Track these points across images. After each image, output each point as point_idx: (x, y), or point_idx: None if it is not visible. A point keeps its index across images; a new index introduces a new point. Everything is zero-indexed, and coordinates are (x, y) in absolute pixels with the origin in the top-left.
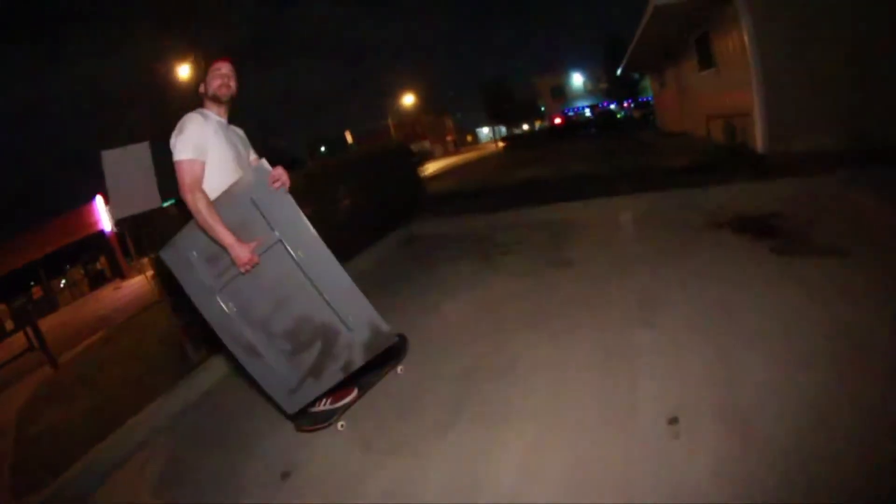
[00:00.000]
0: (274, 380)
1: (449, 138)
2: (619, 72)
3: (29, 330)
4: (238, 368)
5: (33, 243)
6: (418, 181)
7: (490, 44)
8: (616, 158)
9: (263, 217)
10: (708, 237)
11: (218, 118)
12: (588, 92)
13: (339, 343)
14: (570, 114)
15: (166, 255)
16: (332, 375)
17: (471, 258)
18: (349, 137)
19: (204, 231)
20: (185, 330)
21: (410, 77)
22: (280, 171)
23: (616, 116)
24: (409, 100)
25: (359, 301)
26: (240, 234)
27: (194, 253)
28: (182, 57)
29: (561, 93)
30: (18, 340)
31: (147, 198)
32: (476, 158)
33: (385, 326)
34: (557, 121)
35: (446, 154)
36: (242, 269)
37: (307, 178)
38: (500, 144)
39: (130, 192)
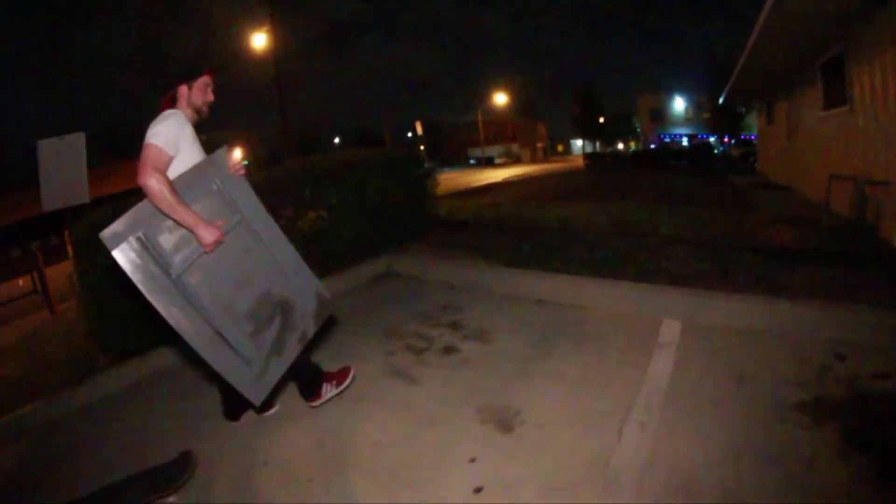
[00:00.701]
0: (240, 368)
1: (539, 145)
2: (721, 100)
3: (35, 273)
4: None
5: (105, 180)
6: (423, 199)
7: (594, 53)
8: (697, 207)
9: (227, 198)
10: (795, 453)
11: (192, 127)
12: (687, 119)
13: (295, 314)
14: (667, 140)
15: (111, 238)
16: (292, 349)
17: (409, 338)
18: (419, 128)
19: (161, 214)
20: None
21: (507, 76)
22: (238, 158)
23: (713, 151)
24: (501, 98)
25: (306, 271)
26: (201, 215)
27: (146, 236)
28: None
29: (660, 116)
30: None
31: (75, 193)
32: (553, 172)
33: (327, 294)
34: (652, 146)
35: (533, 160)
36: (207, 249)
37: (268, 180)
38: (584, 161)
39: (61, 184)
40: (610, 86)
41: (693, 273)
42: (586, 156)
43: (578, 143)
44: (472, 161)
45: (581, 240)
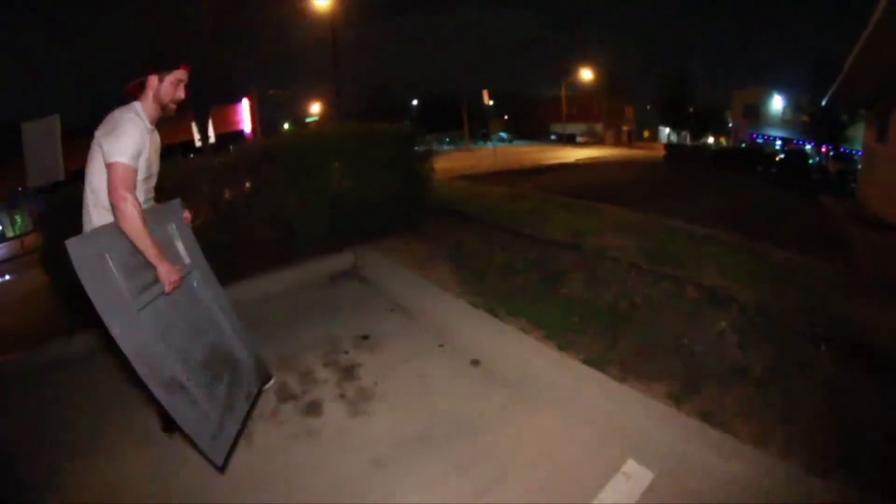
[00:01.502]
0: (199, 419)
1: (625, 128)
2: (824, 102)
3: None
4: None
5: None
6: (417, 184)
7: (690, 35)
8: (774, 247)
9: (180, 246)
10: None
11: (149, 125)
12: (784, 121)
13: (241, 371)
14: (759, 140)
15: (76, 249)
16: (241, 406)
17: (288, 377)
18: (486, 97)
19: (126, 240)
20: None
21: (597, 51)
22: (188, 213)
23: (807, 162)
24: (587, 74)
25: (244, 329)
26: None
27: (111, 257)
28: None
29: (755, 113)
30: None
31: (52, 171)
32: (628, 160)
33: (261, 355)
34: (742, 145)
35: (617, 143)
36: (167, 289)
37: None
38: (662, 153)
39: (41, 163)
40: (703, 73)
41: (726, 376)
42: (666, 147)
43: (665, 130)
44: (552, 137)
45: (587, 272)
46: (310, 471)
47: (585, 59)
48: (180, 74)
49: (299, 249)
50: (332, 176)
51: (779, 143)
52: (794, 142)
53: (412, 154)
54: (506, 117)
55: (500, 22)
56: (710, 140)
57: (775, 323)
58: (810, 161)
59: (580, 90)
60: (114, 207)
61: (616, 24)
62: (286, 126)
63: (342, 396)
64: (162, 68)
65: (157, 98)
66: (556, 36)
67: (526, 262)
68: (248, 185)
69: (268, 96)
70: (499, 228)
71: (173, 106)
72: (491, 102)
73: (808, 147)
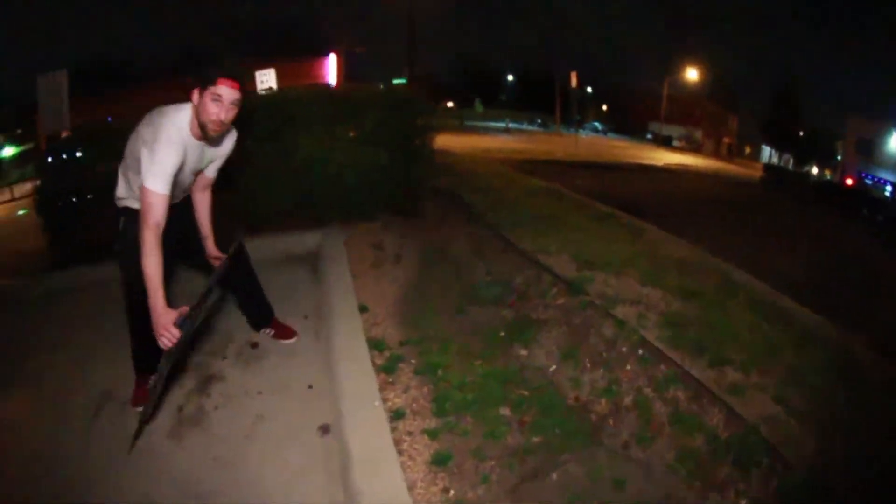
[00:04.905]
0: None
1: (726, 140)
2: None
3: None
4: None
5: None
6: (418, 162)
7: (804, 46)
8: (863, 338)
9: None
10: None
11: (196, 141)
12: None
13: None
14: (868, 181)
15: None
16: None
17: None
18: (573, 79)
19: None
20: None
21: (707, 50)
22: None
23: None
24: (692, 74)
25: None
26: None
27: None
28: None
29: (867, 149)
30: None
31: (59, 121)
32: (719, 175)
33: None
34: (849, 181)
35: (715, 155)
36: (157, 337)
37: None
38: (760, 174)
39: (51, 113)
40: (813, 92)
41: None
42: (766, 168)
43: (767, 150)
44: (648, 136)
45: (567, 335)
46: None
47: (693, 58)
48: (218, 90)
49: (270, 220)
50: (298, 145)
51: (889, 188)
52: None
53: (408, 127)
54: (605, 108)
55: (613, 7)
56: (815, 170)
57: None
58: None
59: (683, 90)
60: (141, 234)
61: (731, 28)
62: (381, 85)
63: (180, 410)
64: (199, 81)
65: (197, 114)
66: (668, 32)
67: (496, 292)
68: None
69: (356, 54)
70: (496, 234)
71: (212, 127)
72: (589, 89)
73: None
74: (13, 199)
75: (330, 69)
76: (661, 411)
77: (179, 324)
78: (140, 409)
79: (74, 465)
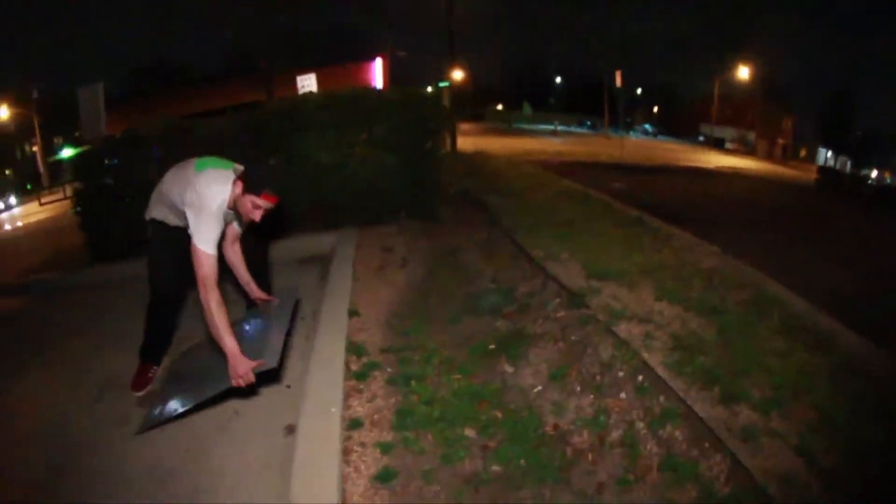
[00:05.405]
0: None
1: (780, 141)
2: None
3: None
4: None
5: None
6: (430, 164)
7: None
8: None
9: (273, 339)
10: None
11: (229, 210)
12: None
13: None
14: None
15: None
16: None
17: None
18: (618, 79)
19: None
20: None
21: (758, 48)
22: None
23: None
24: (744, 73)
25: None
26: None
27: None
28: None
29: None
30: None
31: (97, 127)
32: (771, 178)
33: None
34: None
35: (769, 158)
36: (233, 382)
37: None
38: (814, 176)
39: (90, 121)
40: (873, 93)
41: None
42: (820, 170)
43: (824, 152)
44: (700, 138)
45: (559, 351)
46: None
47: (745, 57)
48: (257, 200)
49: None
50: (310, 148)
51: None
52: None
53: (420, 129)
54: (655, 110)
55: (662, 7)
56: (874, 173)
57: None
58: None
59: (736, 90)
60: (202, 299)
61: (786, 28)
62: (429, 88)
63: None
64: (248, 184)
65: (236, 199)
66: (720, 31)
67: (496, 302)
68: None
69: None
70: (510, 240)
71: (246, 220)
72: (639, 91)
73: None
74: (65, 198)
75: (376, 73)
76: (652, 452)
77: (256, 372)
78: (140, 393)
79: (73, 441)
